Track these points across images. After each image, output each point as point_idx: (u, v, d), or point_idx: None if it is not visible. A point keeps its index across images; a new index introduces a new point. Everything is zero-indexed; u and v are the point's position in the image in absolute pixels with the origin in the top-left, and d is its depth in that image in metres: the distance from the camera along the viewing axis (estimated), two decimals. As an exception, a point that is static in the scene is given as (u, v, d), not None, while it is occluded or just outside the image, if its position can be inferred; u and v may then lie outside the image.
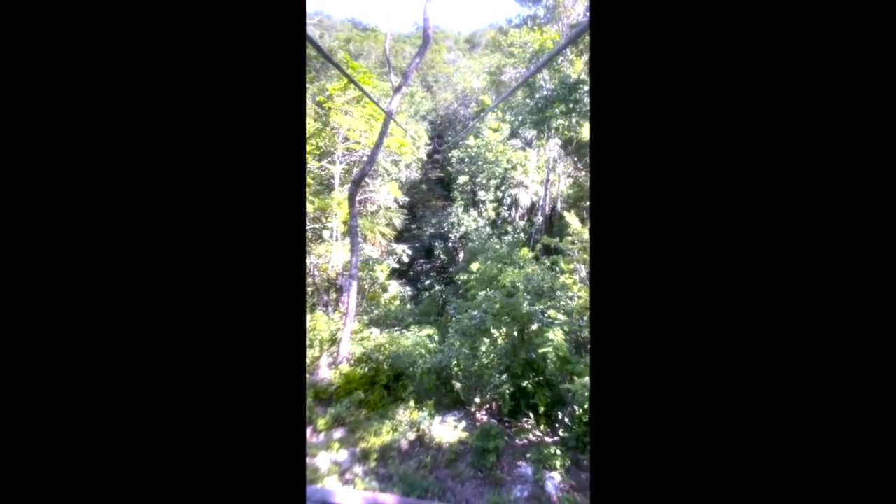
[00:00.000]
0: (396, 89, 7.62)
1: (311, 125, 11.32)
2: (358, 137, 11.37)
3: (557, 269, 8.18)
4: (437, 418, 6.32)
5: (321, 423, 6.59)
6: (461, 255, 16.35)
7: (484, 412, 6.49)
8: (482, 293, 7.80)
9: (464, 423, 6.25)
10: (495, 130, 16.85)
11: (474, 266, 10.30)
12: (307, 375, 7.88)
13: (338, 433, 6.40)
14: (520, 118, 15.88)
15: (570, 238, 7.72)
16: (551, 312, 6.37)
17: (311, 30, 21.62)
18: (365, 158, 7.98)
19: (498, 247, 12.07)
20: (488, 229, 16.38)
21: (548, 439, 5.69)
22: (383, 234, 14.59)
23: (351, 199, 7.85)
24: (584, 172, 14.65)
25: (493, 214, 17.25)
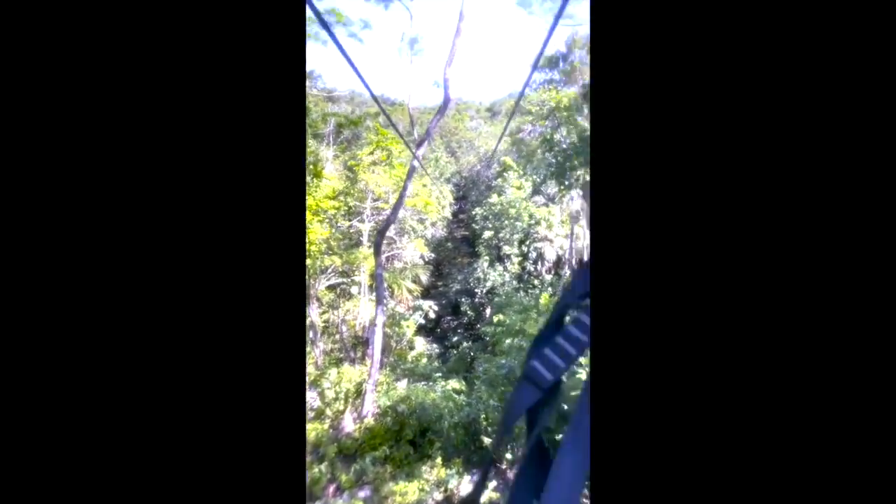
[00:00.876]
0: (419, 143, 8.06)
1: (340, 185, 11.96)
2: (385, 196, 11.87)
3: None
4: (466, 477, 5.90)
5: (345, 479, 6.26)
6: (488, 311, 16.13)
7: (516, 470, 6.02)
8: (508, 341, 7.57)
9: (494, 483, 5.79)
10: (518, 188, 17.30)
11: (499, 318, 10.10)
12: (331, 431, 7.61)
13: (362, 492, 6.03)
14: (542, 175, 16.31)
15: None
16: (583, 359, 6.08)
17: (344, 106, 23.55)
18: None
19: (526, 300, 11.87)
20: (515, 283, 16.25)
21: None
22: (410, 291, 14.66)
23: (376, 248, 8.05)
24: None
25: (518, 269, 17.19)
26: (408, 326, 12.32)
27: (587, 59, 13.78)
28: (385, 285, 9.64)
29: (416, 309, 14.34)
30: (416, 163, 7.85)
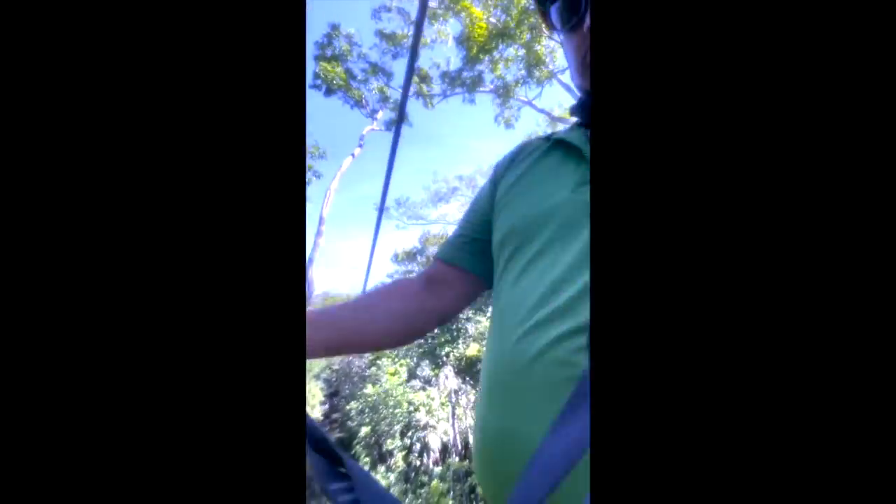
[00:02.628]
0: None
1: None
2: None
3: (477, 496, 7.10)
4: None
5: None
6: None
7: None
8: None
9: None
10: (393, 374, 16.89)
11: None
12: None
13: None
14: (414, 358, 16.49)
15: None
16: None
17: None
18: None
19: None
20: (401, 485, 14.30)
21: None
22: None
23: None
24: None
25: (403, 465, 15.42)
26: None
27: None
28: None
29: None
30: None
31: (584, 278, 0.56)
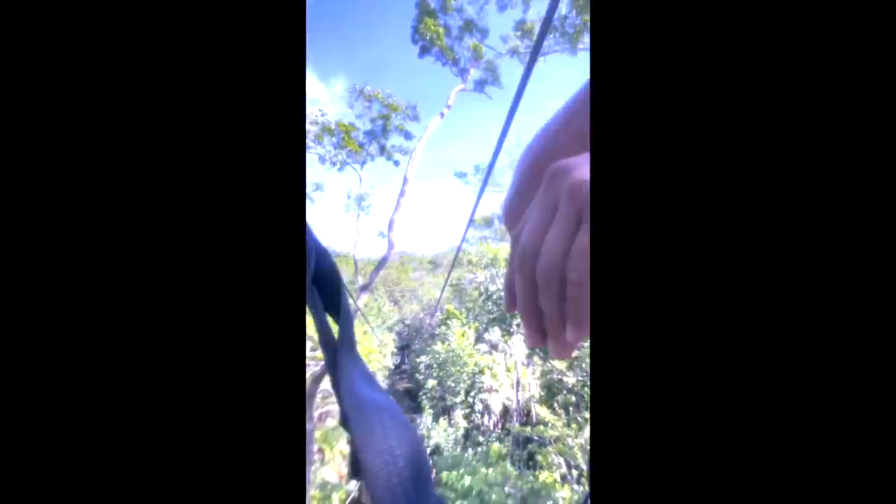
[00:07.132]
0: (363, 287, 8.14)
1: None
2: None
3: (535, 464, 7.26)
4: None
5: None
6: (433, 473, 14.31)
7: None
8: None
9: None
10: (462, 336, 17.42)
11: (444, 475, 9.02)
12: None
13: None
14: (484, 323, 16.83)
15: (542, 428, 7.11)
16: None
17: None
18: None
19: (474, 461, 10.85)
20: (461, 439, 15.01)
21: None
22: (343, 454, 12.93)
23: (310, 397, 7.31)
24: (552, 367, 14.71)
25: (465, 423, 16.11)
26: (339, 499, 10.49)
27: (517, 220, 15.59)
28: (315, 447, 8.46)
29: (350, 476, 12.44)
30: (359, 304, 7.81)
31: None
